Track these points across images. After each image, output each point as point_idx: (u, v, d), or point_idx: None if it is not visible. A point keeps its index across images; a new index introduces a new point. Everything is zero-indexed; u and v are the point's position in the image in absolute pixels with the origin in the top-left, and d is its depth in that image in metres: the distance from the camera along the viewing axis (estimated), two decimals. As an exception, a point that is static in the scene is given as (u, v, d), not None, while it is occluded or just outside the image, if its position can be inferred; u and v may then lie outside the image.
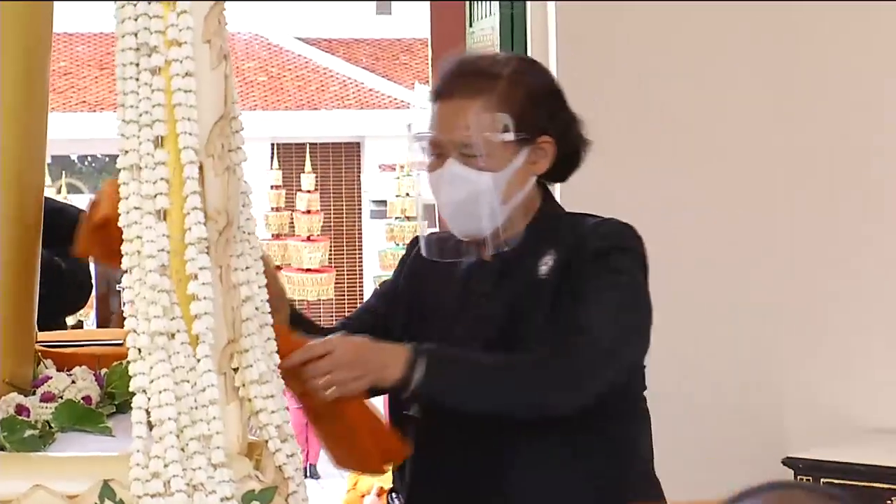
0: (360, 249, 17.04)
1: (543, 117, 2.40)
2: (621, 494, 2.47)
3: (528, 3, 5.80)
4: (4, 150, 2.11)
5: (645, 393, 2.67)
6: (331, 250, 15.83)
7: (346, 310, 15.66)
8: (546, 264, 2.41)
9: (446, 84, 2.44)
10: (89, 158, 13.53)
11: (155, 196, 1.70)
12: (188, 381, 1.71)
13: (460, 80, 2.42)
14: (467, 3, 6.26)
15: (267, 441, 1.82)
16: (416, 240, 2.69)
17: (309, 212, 15.29)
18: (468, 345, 2.51)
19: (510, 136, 2.32)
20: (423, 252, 2.56)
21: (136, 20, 1.71)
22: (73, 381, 2.15)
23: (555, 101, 2.46)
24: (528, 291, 2.45)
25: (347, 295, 16.30)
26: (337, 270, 15.92)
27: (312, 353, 2.26)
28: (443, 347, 2.38)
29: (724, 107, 5.69)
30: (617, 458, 2.50)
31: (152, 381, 1.70)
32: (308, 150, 15.39)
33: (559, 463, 2.44)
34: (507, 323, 2.47)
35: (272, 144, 15.21)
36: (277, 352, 2.04)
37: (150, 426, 1.69)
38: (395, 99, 17.06)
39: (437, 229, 2.65)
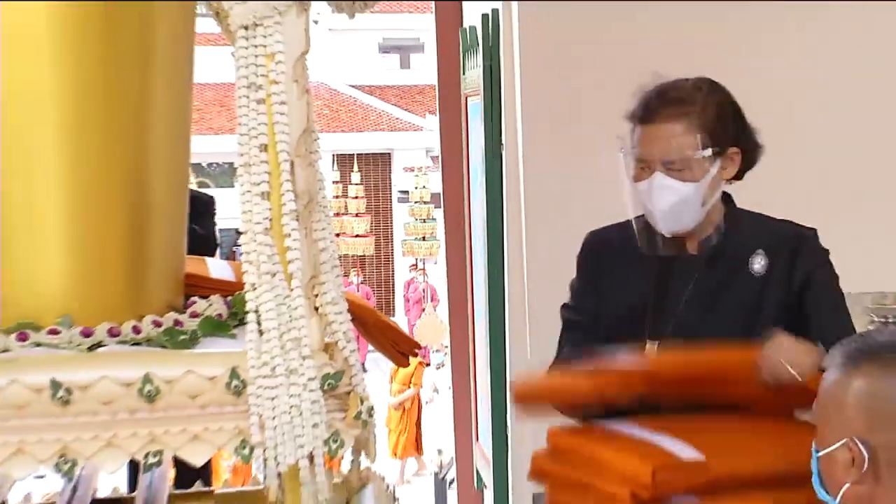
0: (391, 222, 18.09)
1: (731, 132, 2.37)
2: None
3: (502, 60, 5.82)
4: (171, 153, 2.35)
5: None
6: (371, 222, 17.15)
7: (380, 259, 16.93)
8: (759, 263, 2.36)
9: (650, 109, 2.36)
10: (214, 165, 14.11)
11: (260, 183, 1.94)
12: (284, 304, 1.93)
13: (662, 106, 2.35)
14: (462, 57, 6.46)
15: (337, 341, 2.02)
16: (594, 239, 2.61)
17: (357, 197, 16.97)
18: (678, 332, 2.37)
19: (708, 152, 2.29)
20: (641, 246, 2.43)
21: (247, 68, 1.93)
22: (210, 304, 2.34)
23: (738, 117, 2.41)
24: (745, 284, 2.38)
25: (382, 252, 17.60)
26: (375, 236, 17.22)
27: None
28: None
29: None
30: None
31: (261, 304, 1.93)
32: (356, 158, 17.30)
33: None
34: (738, 319, 2.36)
35: (332, 155, 16.97)
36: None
37: (261, 332, 1.93)
38: (413, 125, 19.31)
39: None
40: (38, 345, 2.09)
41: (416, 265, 16.06)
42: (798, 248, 2.38)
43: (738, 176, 2.45)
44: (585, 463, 2.19)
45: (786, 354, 2.05)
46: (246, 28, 1.93)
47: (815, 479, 1.74)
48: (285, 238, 1.95)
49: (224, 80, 2.66)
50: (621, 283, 2.50)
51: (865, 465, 1.60)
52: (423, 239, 15.96)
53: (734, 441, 2.14)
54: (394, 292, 18.92)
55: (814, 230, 2.41)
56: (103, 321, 2.15)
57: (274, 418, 1.90)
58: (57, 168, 2.15)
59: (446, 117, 7.21)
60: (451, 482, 10.81)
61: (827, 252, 2.38)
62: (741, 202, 2.59)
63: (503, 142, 6.28)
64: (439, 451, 12.77)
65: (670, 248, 2.43)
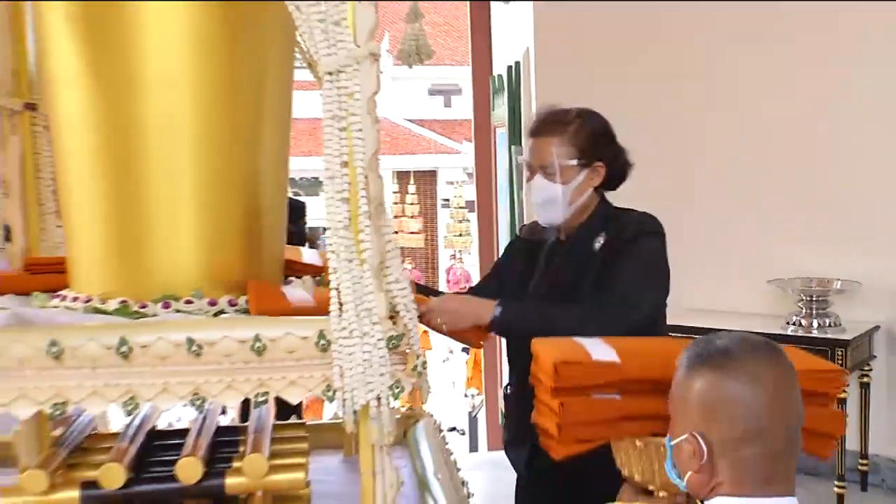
0: (436, 223, 18.26)
1: (598, 150, 2.44)
2: None
3: (521, 100, 5.80)
4: (276, 166, 2.36)
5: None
6: (422, 222, 17.29)
7: (428, 250, 17.25)
8: (598, 242, 2.42)
9: (536, 126, 2.49)
10: (304, 179, 14.17)
11: (341, 191, 1.94)
12: (359, 283, 1.94)
13: (545, 124, 2.47)
14: (491, 97, 6.48)
15: (399, 312, 2.02)
16: (515, 236, 2.78)
17: (411, 204, 17.17)
18: (548, 299, 2.52)
19: (573, 162, 2.38)
20: (522, 234, 2.71)
21: (332, 103, 1.93)
22: (303, 283, 2.39)
23: (606, 139, 2.49)
24: (586, 262, 2.43)
25: (430, 245, 18.01)
26: (424, 233, 17.57)
27: (426, 311, 2.35)
28: (515, 300, 2.45)
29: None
30: None
31: (341, 283, 1.93)
32: (410, 175, 17.65)
33: None
34: (571, 284, 2.45)
35: (393, 172, 17.81)
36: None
37: (341, 304, 1.93)
38: (453, 149, 19.57)
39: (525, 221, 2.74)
40: (178, 311, 2.13)
41: (454, 255, 16.07)
42: (625, 230, 2.42)
43: (612, 186, 2.52)
44: (535, 359, 2.08)
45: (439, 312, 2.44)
46: (331, 74, 1.93)
47: (667, 463, 1.67)
48: (360, 233, 1.95)
49: (311, 116, 2.67)
50: (514, 263, 2.73)
51: (704, 458, 1.56)
52: (460, 235, 15.97)
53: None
54: (438, 275, 18.91)
55: (649, 217, 2.47)
56: (225, 294, 2.19)
57: (350, 369, 1.91)
58: (192, 174, 2.17)
59: (479, 143, 7.23)
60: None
61: (649, 232, 2.43)
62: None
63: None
64: (473, 395, 12.84)
65: (545, 236, 2.56)
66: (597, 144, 2.44)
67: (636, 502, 1.77)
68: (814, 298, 4.49)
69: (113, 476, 2.08)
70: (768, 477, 1.54)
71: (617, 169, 2.48)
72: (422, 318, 2.29)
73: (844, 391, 4.33)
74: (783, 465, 1.56)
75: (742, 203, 4.95)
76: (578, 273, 2.43)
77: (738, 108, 4.91)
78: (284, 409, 3.67)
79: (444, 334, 2.50)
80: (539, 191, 2.43)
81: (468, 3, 6.87)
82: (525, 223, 2.64)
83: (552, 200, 2.42)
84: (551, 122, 2.45)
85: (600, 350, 1.92)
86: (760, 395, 1.53)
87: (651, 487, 1.72)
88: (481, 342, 2.64)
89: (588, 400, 1.84)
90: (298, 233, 5.01)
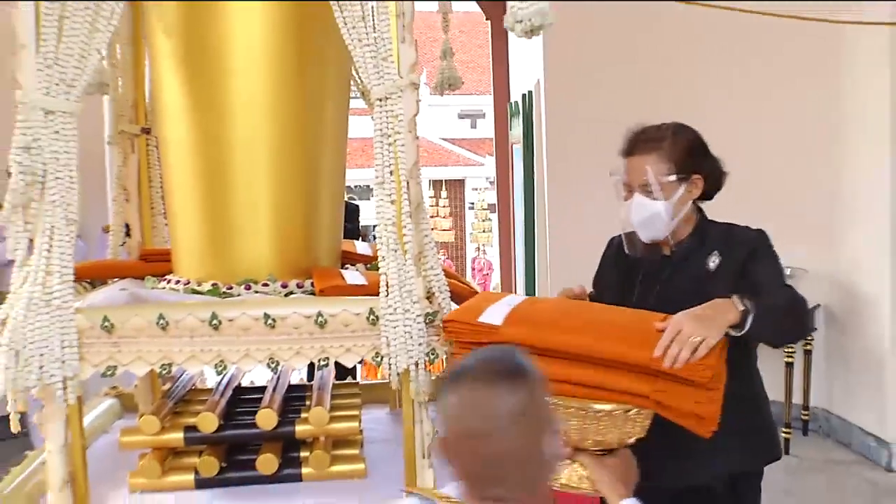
0: (464, 221, 17.99)
1: (693, 163, 1.95)
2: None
3: (534, 122, 5.75)
4: (335, 173, 2.33)
5: None
6: (452, 221, 17.11)
7: (457, 244, 17.00)
8: (713, 262, 1.92)
9: (630, 145, 1.98)
10: (358, 186, 14.20)
11: (390, 194, 1.92)
12: (402, 269, 1.92)
13: (639, 142, 1.97)
14: (509, 120, 6.43)
15: (434, 293, 1.99)
16: (611, 242, 2.17)
17: (444, 206, 16.83)
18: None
19: (672, 178, 1.90)
20: (627, 251, 2.04)
21: (382, 123, 1.92)
22: (357, 269, 2.37)
23: (701, 152, 1.99)
24: (701, 279, 1.91)
25: (458, 240, 17.82)
26: (454, 230, 17.40)
27: (667, 340, 1.56)
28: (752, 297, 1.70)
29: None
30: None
31: (388, 269, 1.92)
32: (443, 183, 17.36)
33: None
34: (682, 301, 1.73)
35: (429, 180, 17.49)
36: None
37: (387, 287, 1.91)
38: (478, 162, 19.17)
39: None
40: (256, 292, 2.13)
41: (478, 248, 16.05)
42: (741, 246, 1.93)
43: (708, 196, 2.03)
44: None
45: (696, 330, 1.55)
46: (381, 99, 1.91)
47: None
48: (403, 228, 1.93)
49: (363, 136, 2.67)
50: (610, 275, 2.15)
51: None
52: (483, 232, 15.90)
53: (566, 324, 1.64)
54: (465, 264, 18.93)
55: (757, 231, 1.98)
56: (293, 279, 2.18)
57: (395, 339, 1.90)
58: (267, 183, 2.16)
59: (499, 157, 7.18)
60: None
61: (766, 244, 1.94)
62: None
63: (534, 172, 6.25)
64: None
65: (649, 252, 2.04)
66: (692, 157, 1.97)
67: (578, 458, 1.53)
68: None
69: (208, 422, 2.10)
70: None
71: (714, 179, 2.00)
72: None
73: (790, 357, 4.39)
74: None
75: (719, 210, 4.85)
76: (692, 290, 1.85)
77: (708, 128, 4.82)
78: (342, 371, 3.66)
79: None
80: (640, 208, 1.96)
81: (490, 43, 6.82)
82: (625, 236, 2.05)
83: (655, 217, 1.95)
84: (645, 140, 1.98)
85: (492, 313, 1.67)
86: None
87: (584, 446, 1.52)
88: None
89: None
90: (353, 229, 5.04)
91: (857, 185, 4.38)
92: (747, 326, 1.62)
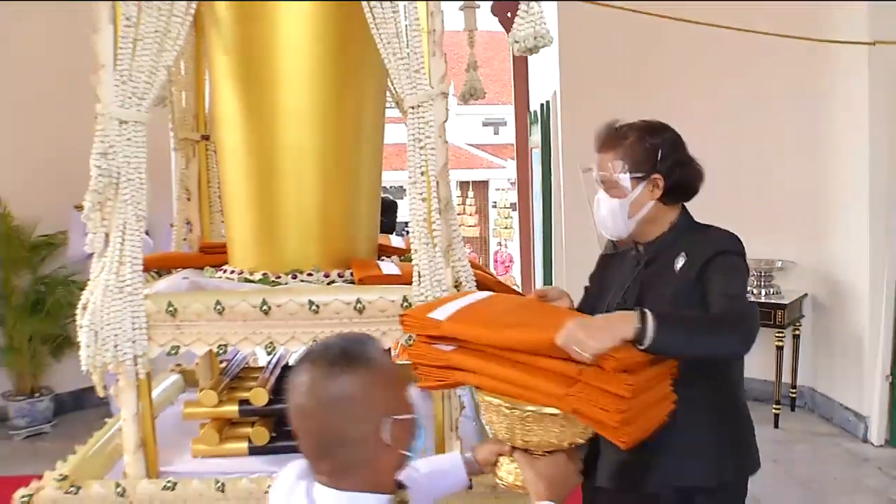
0: (488, 219, 17.84)
1: (656, 163, 1.69)
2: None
3: (550, 129, 5.71)
4: (373, 174, 2.30)
5: None
6: (477, 218, 16.96)
7: (482, 239, 16.65)
8: (679, 263, 1.66)
9: (599, 141, 1.76)
10: (393, 186, 14.19)
11: (421, 193, 1.91)
12: (433, 261, 1.91)
13: (604, 140, 1.75)
14: (529, 126, 6.39)
15: (461, 282, 1.99)
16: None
17: (471, 205, 16.60)
18: (622, 308, 1.58)
19: (628, 176, 1.68)
20: (600, 247, 1.90)
21: (415, 129, 1.91)
22: (391, 261, 2.36)
23: (669, 152, 1.71)
24: (667, 280, 1.66)
25: (482, 235, 17.70)
26: (479, 226, 17.19)
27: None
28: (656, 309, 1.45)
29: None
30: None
31: (420, 261, 1.91)
32: (469, 184, 17.21)
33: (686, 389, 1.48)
34: (648, 299, 1.66)
35: (456, 181, 17.49)
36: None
37: (419, 277, 1.91)
38: (501, 165, 18.82)
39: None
40: (302, 281, 2.12)
41: (500, 243, 15.94)
42: (706, 248, 1.67)
43: (679, 198, 1.76)
44: None
45: (573, 340, 1.32)
46: (413, 107, 1.90)
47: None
48: (433, 224, 1.93)
49: (397, 142, 2.67)
50: (597, 272, 1.92)
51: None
52: (505, 228, 15.77)
53: (497, 320, 1.49)
54: (489, 257, 18.83)
55: (728, 235, 1.71)
56: (335, 269, 2.17)
57: (426, 323, 1.89)
58: (312, 183, 2.16)
59: (519, 161, 7.14)
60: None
61: (730, 250, 1.66)
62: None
63: (551, 174, 6.22)
64: None
65: (623, 250, 1.84)
66: (654, 157, 1.71)
67: (514, 456, 1.39)
68: (762, 274, 4.52)
69: (260, 397, 2.12)
70: None
71: (681, 181, 1.73)
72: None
73: (780, 341, 4.36)
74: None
75: (709, 203, 4.86)
76: (658, 290, 1.69)
77: (705, 147, 4.77)
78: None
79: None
80: (600, 205, 1.77)
81: (511, 58, 6.78)
82: (598, 235, 1.88)
83: (612, 214, 1.74)
84: (611, 137, 1.76)
85: (444, 310, 1.54)
86: None
87: (516, 444, 1.37)
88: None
89: (427, 347, 1.52)
90: (390, 223, 5.02)
91: (839, 186, 4.41)
92: (646, 342, 1.36)
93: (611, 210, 1.73)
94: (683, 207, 1.79)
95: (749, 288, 4.51)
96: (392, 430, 1.08)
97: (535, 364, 1.35)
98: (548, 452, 1.36)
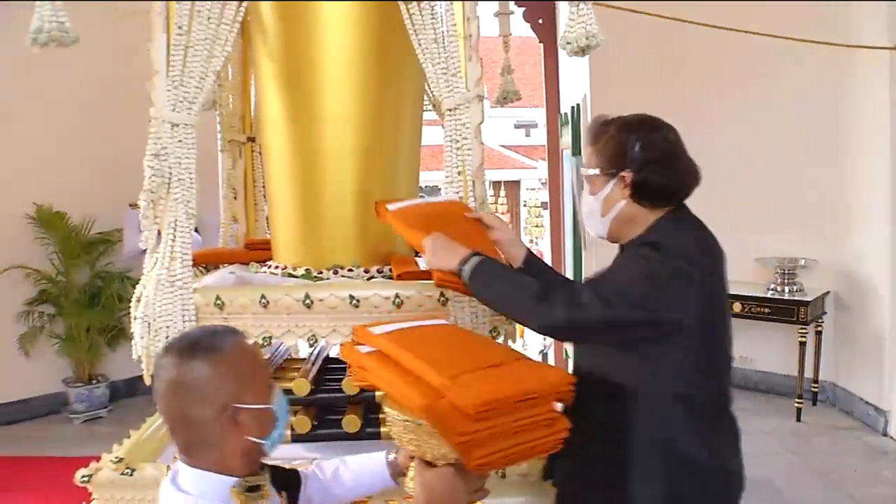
0: (519, 217, 17.59)
1: (626, 159, 1.51)
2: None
3: (581, 132, 5.66)
4: (411, 175, 2.30)
5: None
6: (510, 217, 16.81)
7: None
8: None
9: (585, 136, 1.64)
10: (428, 186, 14.02)
11: (457, 192, 1.91)
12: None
13: (588, 133, 1.61)
14: (559, 128, 6.32)
15: None
16: None
17: (503, 204, 16.35)
18: None
19: (596, 172, 1.56)
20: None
21: (452, 130, 1.90)
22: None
23: (643, 147, 1.53)
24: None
25: (515, 232, 17.42)
26: (511, 224, 16.99)
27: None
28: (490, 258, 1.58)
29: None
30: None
31: None
32: (502, 184, 17.01)
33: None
34: None
35: (489, 181, 17.05)
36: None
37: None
38: (532, 166, 18.56)
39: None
40: (343, 277, 2.12)
41: (532, 240, 15.83)
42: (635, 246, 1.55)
43: (654, 199, 1.55)
44: None
45: (428, 254, 1.56)
46: (451, 110, 1.89)
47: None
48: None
49: (433, 143, 2.68)
50: None
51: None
52: (536, 226, 15.67)
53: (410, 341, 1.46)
54: (520, 254, 18.67)
55: (653, 242, 1.49)
56: (374, 265, 2.17)
57: (462, 318, 1.88)
58: (352, 183, 2.15)
59: (550, 162, 7.08)
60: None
61: (646, 252, 1.47)
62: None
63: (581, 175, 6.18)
64: (545, 337, 12.57)
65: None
66: (626, 153, 1.53)
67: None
68: (786, 272, 4.53)
69: (302, 387, 2.12)
70: None
71: (644, 180, 1.52)
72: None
73: (803, 337, 4.35)
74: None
75: (740, 205, 4.88)
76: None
77: (729, 147, 4.81)
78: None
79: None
80: (583, 201, 1.65)
81: (543, 62, 6.73)
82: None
83: (589, 211, 1.61)
84: (592, 132, 1.62)
85: (385, 328, 1.53)
86: None
87: (427, 458, 1.28)
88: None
89: (352, 348, 1.52)
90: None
91: (862, 185, 4.39)
92: (464, 280, 1.54)
93: (588, 207, 1.62)
94: (673, 211, 1.56)
95: (773, 285, 4.50)
96: (239, 417, 1.13)
97: (413, 373, 1.32)
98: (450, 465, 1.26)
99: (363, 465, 1.46)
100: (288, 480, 1.37)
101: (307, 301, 1.88)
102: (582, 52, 1.81)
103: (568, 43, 1.79)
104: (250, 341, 1.89)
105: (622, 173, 1.54)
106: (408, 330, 1.55)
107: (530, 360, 1.38)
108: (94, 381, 4.83)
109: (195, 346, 1.15)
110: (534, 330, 1.51)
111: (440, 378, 1.25)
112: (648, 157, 1.53)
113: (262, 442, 1.18)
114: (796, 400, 4.40)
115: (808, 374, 4.53)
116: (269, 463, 1.29)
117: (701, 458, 1.45)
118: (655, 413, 1.44)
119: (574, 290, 1.49)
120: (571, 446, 1.31)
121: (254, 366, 1.19)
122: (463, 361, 1.32)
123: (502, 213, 16.79)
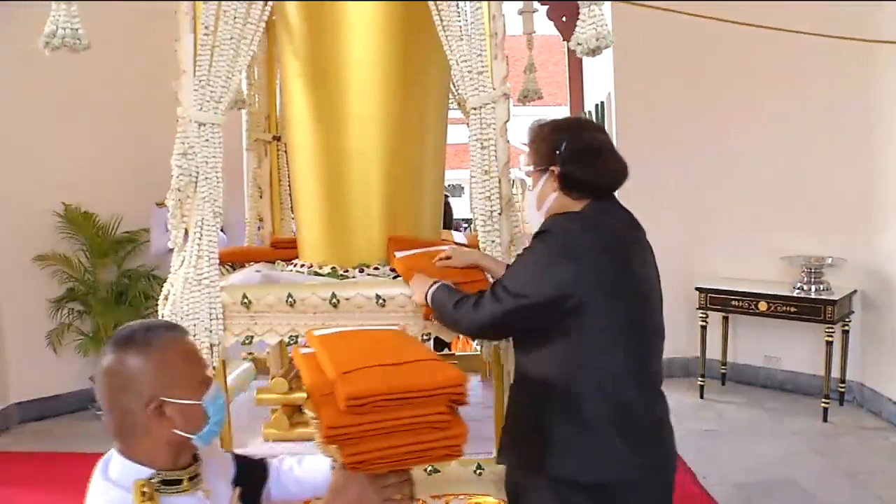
0: None
1: (554, 155, 1.58)
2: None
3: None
4: (436, 174, 2.29)
5: None
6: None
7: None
8: None
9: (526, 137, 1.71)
10: (450, 184, 13.84)
11: (483, 191, 1.89)
12: (496, 252, 1.89)
13: (528, 136, 1.77)
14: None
15: None
16: None
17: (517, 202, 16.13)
18: None
19: (532, 168, 1.65)
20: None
21: (477, 130, 1.89)
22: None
23: (570, 144, 1.60)
24: None
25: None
26: None
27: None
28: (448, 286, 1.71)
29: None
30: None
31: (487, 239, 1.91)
32: (525, 181, 16.70)
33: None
34: None
35: (512, 179, 16.49)
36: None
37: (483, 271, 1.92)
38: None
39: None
40: (369, 275, 2.12)
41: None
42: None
43: (582, 191, 1.60)
44: None
45: (413, 285, 1.80)
46: (476, 109, 1.88)
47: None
48: (494, 220, 1.91)
49: (457, 142, 2.65)
50: None
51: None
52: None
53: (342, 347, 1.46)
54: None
55: (549, 228, 1.57)
56: (400, 264, 2.17)
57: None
58: (378, 183, 2.15)
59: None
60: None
61: (534, 242, 1.57)
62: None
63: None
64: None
65: None
66: (552, 151, 1.61)
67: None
68: (812, 270, 4.44)
69: (279, 386, 2.14)
70: None
71: (569, 173, 1.59)
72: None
73: (830, 336, 4.28)
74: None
75: (766, 204, 4.81)
76: None
77: (754, 146, 4.77)
78: (440, 343, 3.67)
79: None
80: (526, 198, 1.72)
81: (567, 60, 6.69)
82: None
83: (529, 206, 1.70)
84: (528, 134, 1.76)
85: (325, 329, 1.62)
86: None
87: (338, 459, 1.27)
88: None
89: (297, 349, 1.56)
90: (447, 221, 5.03)
91: (888, 184, 4.30)
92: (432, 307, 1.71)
93: (528, 202, 1.71)
94: (593, 201, 1.62)
95: (799, 284, 4.47)
96: (166, 410, 1.16)
97: (324, 372, 1.34)
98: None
99: (310, 467, 1.47)
100: (255, 473, 1.41)
101: (333, 300, 1.88)
102: (592, 52, 1.84)
103: (579, 44, 1.82)
104: (277, 339, 1.92)
105: (550, 168, 1.63)
106: (348, 332, 1.58)
107: (443, 362, 1.34)
108: (121, 378, 4.87)
109: (130, 338, 1.19)
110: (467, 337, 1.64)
111: (333, 373, 1.27)
112: (573, 153, 1.61)
113: (189, 437, 1.19)
114: (823, 400, 4.34)
115: (835, 373, 4.47)
116: (238, 453, 1.33)
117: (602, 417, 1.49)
118: (568, 400, 1.50)
119: (482, 293, 1.60)
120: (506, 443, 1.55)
121: (185, 362, 1.20)
122: (366, 359, 1.31)
123: (524, 211, 16.62)
